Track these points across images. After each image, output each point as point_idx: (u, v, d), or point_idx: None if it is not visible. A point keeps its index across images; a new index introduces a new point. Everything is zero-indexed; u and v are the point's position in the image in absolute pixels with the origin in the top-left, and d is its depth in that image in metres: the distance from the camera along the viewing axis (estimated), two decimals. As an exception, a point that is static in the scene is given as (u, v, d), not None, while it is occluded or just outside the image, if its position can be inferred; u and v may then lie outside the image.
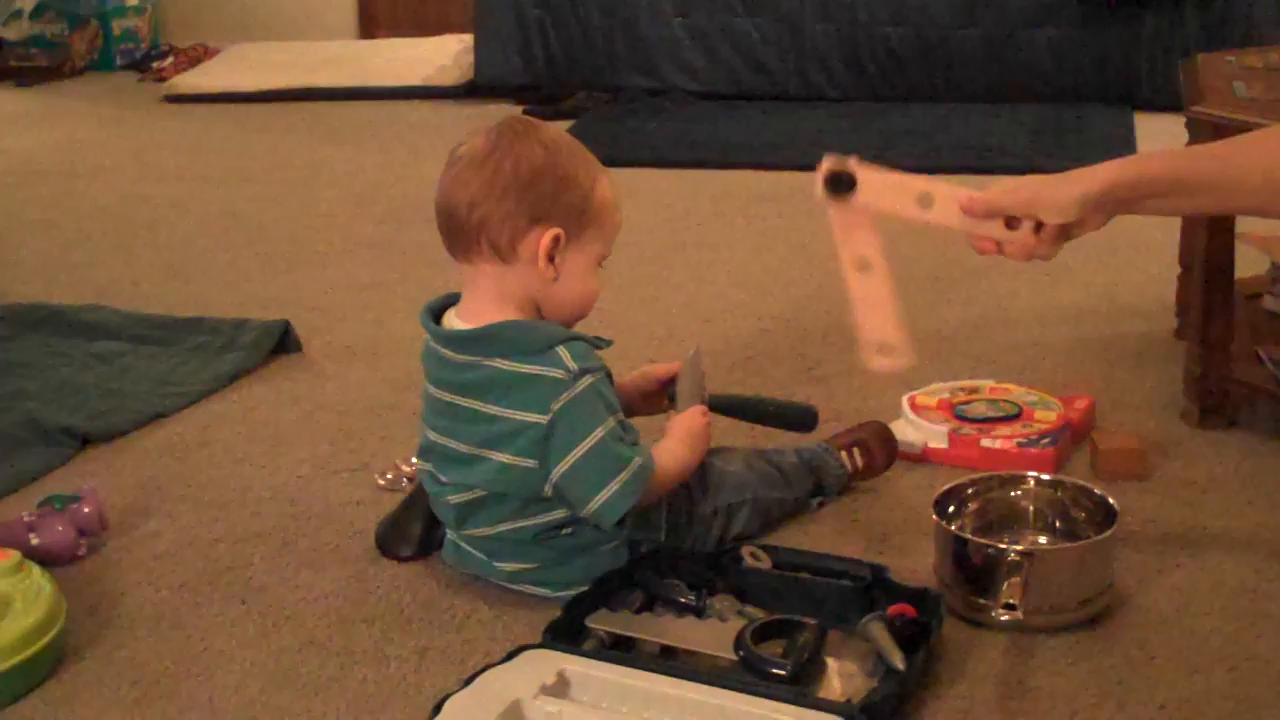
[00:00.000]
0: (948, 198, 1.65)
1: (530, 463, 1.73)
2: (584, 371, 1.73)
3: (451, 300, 1.84)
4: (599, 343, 1.80)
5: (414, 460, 1.94)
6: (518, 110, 4.56)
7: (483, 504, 1.79)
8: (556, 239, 1.75)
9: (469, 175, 1.75)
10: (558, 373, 1.72)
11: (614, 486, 1.73)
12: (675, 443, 1.86)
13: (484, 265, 1.76)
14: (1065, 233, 1.63)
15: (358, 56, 5.28)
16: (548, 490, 1.74)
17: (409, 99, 4.89)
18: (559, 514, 1.77)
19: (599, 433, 1.73)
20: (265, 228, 3.50)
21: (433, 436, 1.81)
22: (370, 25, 5.82)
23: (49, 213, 3.72)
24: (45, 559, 1.86)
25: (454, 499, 1.80)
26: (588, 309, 1.83)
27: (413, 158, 4.09)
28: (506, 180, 1.73)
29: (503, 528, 1.79)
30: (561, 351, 1.73)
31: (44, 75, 5.48)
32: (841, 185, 1.65)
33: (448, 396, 1.79)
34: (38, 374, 2.57)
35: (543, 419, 1.71)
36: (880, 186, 1.66)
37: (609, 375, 1.79)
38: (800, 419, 2.11)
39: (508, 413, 1.73)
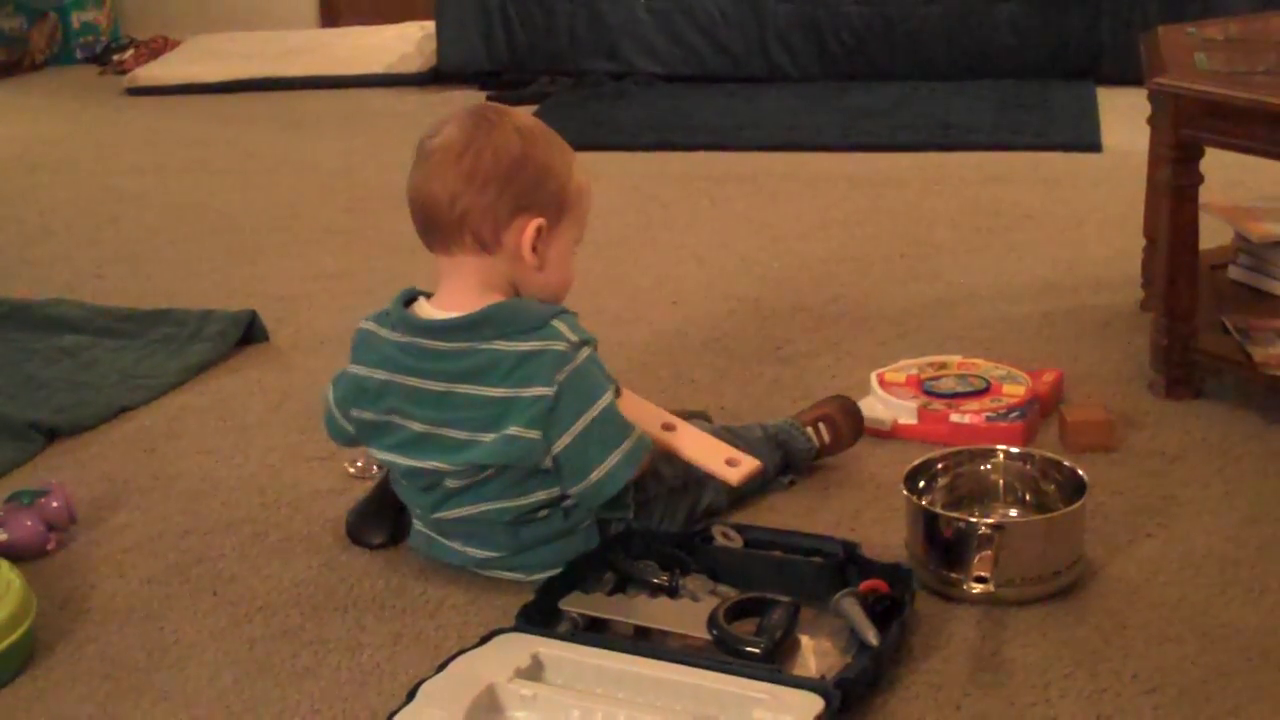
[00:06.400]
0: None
1: (534, 434, 1.72)
2: (583, 343, 1.74)
3: (414, 294, 1.83)
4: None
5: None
6: (481, 96, 4.55)
7: (471, 484, 1.78)
8: (539, 229, 1.75)
9: (446, 168, 1.73)
10: (559, 345, 1.72)
11: (616, 457, 1.74)
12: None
13: (465, 256, 1.76)
14: None
15: (320, 45, 5.25)
16: (547, 462, 1.73)
17: (372, 87, 4.86)
18: (542, 494, 1.77)
19: (603, 401, 1.74)
20: (230, 218, 3.49)
21: (419, 428, 1.78)
22: (332, 14, 5.78)
23: (11, 208, 3.70)
24: (14, 554, 1.85)
25: (450, 484, 1.79)
26: (565, 293, 1.83)
27: (377, 146, 4.08)
28: (487, 172, 1.72)
29: (482, 508, 1.78)
30: (559, 325, 1.73)
31: (2, 70, 5.44)
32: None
33: (439, 386, 1.76)
34: (2, 369, 2.55)
35: (548, 391, 1.71)
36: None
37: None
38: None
39: (513, 391, 1.72)
